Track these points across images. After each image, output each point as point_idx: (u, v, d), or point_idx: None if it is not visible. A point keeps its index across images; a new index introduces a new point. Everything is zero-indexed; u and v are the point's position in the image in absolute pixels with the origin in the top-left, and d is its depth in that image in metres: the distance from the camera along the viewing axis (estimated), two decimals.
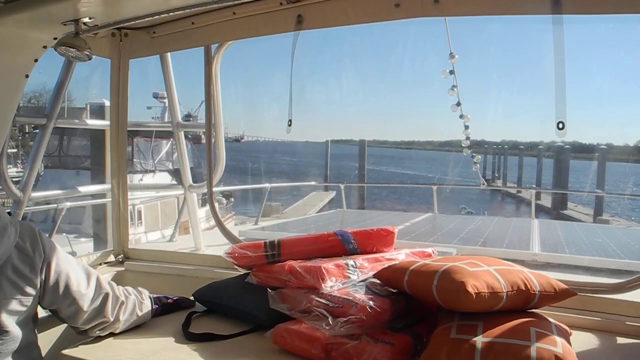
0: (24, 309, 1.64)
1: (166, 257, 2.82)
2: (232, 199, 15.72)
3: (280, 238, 2.02)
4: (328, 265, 1.81)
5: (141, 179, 11.77)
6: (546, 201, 21.63)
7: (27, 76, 2.19)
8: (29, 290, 1.63)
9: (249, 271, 2.13)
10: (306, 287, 1.79)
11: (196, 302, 2.14)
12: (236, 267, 2.15)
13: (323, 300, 1.70)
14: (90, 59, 2.10)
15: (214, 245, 3.05)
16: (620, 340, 1.83)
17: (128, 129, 2.90)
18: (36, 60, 2.19)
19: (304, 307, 1.72)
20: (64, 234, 9.51)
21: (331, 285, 1.76)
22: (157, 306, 2.01)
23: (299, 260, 1.89)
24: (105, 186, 2.91)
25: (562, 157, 22.43)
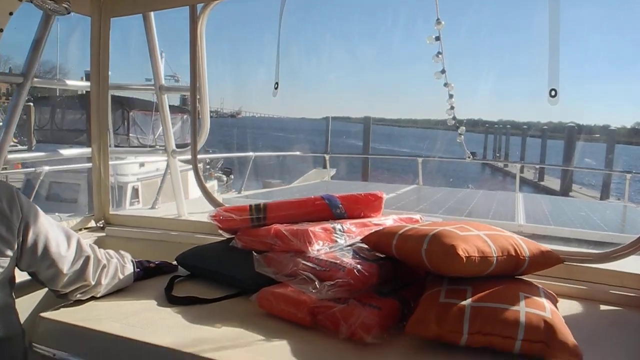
0: (0, 270, 1.59)
1: (148, 222, 2.76)
2: (232, 177, 15.20)
3: (266, 202, 1.97)
4: (315, 228, 1.78)
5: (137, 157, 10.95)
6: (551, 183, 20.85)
7: (1, 30, 2.09)
8: (6, 251, 1.57)
9: (232, 236, 2.08)
10: (292, 251, 1.76)
11: (179, 267, 2.09)
12: (220, 231, 2.11)
13: (310, 264, 1.66)
14: (68, 13, 2.01)
15: (197, 212, 3.00)
16: (604, 307, 1.84)
17: (112, 93, 2.81)
18: (11, 14, 2.09)
19: (290, 271, 1.68)
20: (57, 214, 9.24)
21: (318, 249, 1.73)
22: (139, 270, 1.96)
23: (285, 224, 1.85)
24: (86, 150, 2.82)
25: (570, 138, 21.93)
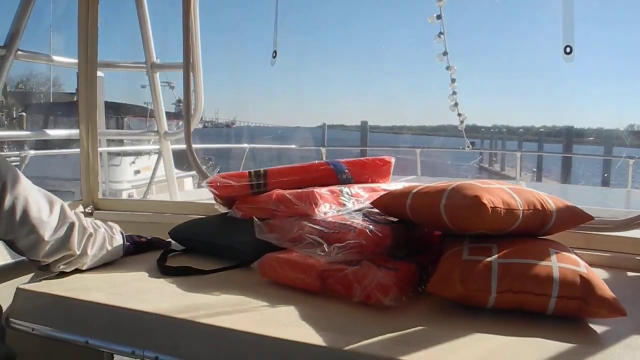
0: None
1: (138, 206, 2.62)
2: (212, 163, 14.69)
3: (266, 168, 1.83)
4: (321, 190, 1.63)
5: (133, 162, 10.65)
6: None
7: None
8: None
9: (229, 210, 1.94)
10: (297, 215, 1.61)
11: (172, 242, 1.94)
12: (217, 206, 1.95)
13: (317, 227, 1.51)
14: None
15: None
16: (632, 274, 1.72)
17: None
18: None
19: (295, 235, 1.53)
20: None
21: (325, 212, 1.58)
22: (129, 244, 1.80)
23: (287, 190, 1.71)
24: (74, 131, 2.67)
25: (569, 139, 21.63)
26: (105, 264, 1.70)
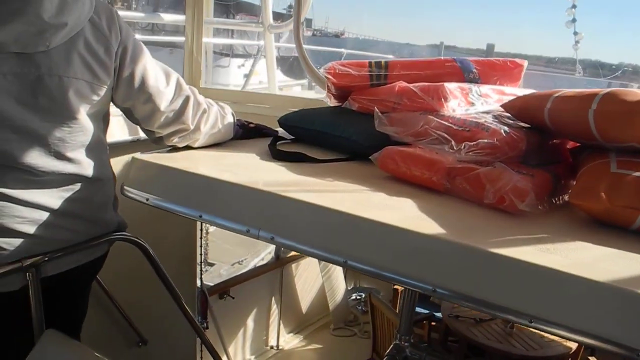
0: (96, 98, 1.42)
1: (241, 96, 2.56)
2: None
3: (388, 59, 1.70)
4: (450, 85, 1.50)
5: (242, 64, 10.14)
6: None
7: None
8: (102, 75, 1.40)
9: (339, 104, 1.85)
10: (422, 110, 1.49)
11: (279, 132, 1.88)
12: (327, 99, 1.86)
13: (445, 123, 1.40)
14: None
15: None
16: None
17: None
18: None
19: (420, 130, 1.42)
20: None
21: (453, 109, 1.46)
22: (238, 126, 1.76)
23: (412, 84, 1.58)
24: (180, 17, 2.63)
25: None
26: (215, 145, 1.67)
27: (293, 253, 4.00)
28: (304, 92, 6.66)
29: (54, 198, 1.42)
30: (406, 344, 1.41)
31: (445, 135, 1.37)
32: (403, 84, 1.57)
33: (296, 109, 2.28)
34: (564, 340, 3.14)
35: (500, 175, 1.24)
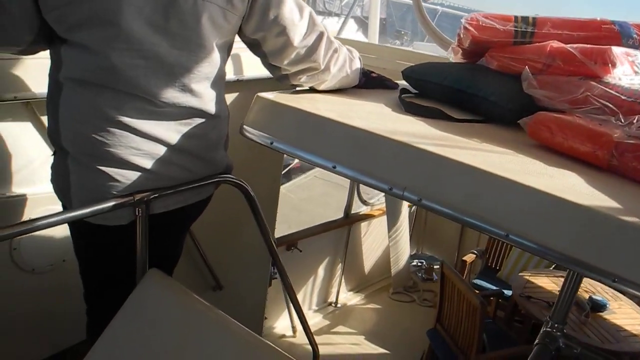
0: (227, 26, 1.32)
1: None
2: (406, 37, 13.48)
3: (536, 15, 1.53)
4: (617, 49, 1.33)
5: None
6: None
7: None
8: (236, 1, 1.30)
9: (466, 60, 1.70)
10: (579, 74, 1.33)
11: (399, 84, 1.74)
12: (454, 51, 1.71)
13: (612, 91, 1.24)
14: None
15: None
16: None
17: None
18: None
19: (580, 97, 1.27)
20: None
21: (619, 77, 1.30)
22: (361, 74, 1.64)
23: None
24: None
25: None
26: (338, 91, 1.56)
27: (364, 212, 3.92)
28: None
29: (171, 131, 1.35)
30: (559, 333, 1.29)
31: (611, 106, 1.21)
32: (556, 43, 1.41)
33: (404, 62, 2.14)
34: None
35: None
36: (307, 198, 5.87)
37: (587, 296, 3.19)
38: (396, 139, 1.14)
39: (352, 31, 8.52)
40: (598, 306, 3.12)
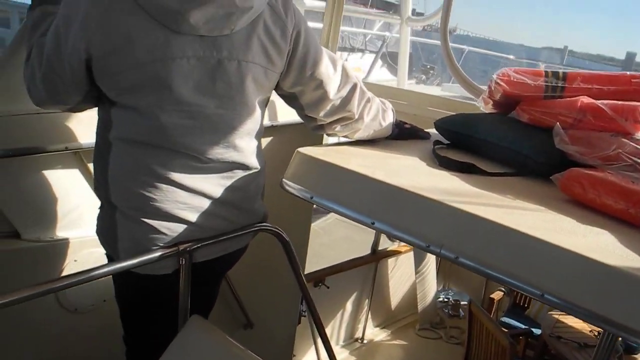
0: (267, 84, 1.40)
1: (379, 90, 2.49)
2: (433, 72, 12.82)
3: (566, 70, 1.58)
4: None
5: (346, 59, 9.50)
6: None
7: None
8: (277, 60, 1.37)
9: (496, 111, 1.74)
10: (610, 131, 1.37)
11: (430, 134, 1.79)
12: (484, 101, 1.76)
13: None
14: None
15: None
16: None
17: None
18: None
19: (612, 153, 1.31)
20: None
21: None
22: (394, 125, 1.70)
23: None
24: (322, 3, 2.59)
25: None
26: (371, 143, 1.61)
27: (391, 248, 3.94)
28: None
29: (214, 185, 1.42)
30: None
31: None
32: (587, 99, 1.45)
33: (434, 109, 2.20)
34: None
35: None
36: (328, 242, 5.85)
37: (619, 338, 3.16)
38: (432, 198, 1.19)
39: (376, 67, 8.59)
40: (631, 348, 3.09)
